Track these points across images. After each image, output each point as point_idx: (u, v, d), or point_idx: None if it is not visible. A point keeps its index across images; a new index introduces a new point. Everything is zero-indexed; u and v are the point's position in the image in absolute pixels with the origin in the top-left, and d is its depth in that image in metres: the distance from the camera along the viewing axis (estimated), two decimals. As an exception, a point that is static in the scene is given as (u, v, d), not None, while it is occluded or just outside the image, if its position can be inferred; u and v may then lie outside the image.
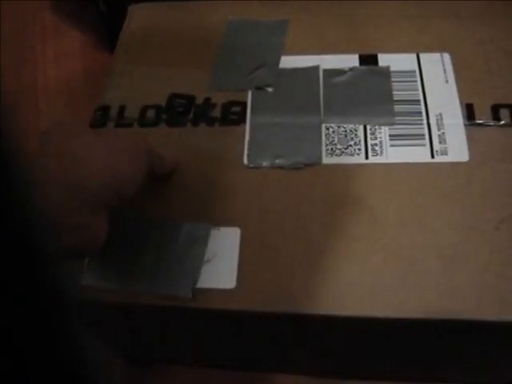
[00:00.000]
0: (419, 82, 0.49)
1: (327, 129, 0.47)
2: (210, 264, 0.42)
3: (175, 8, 0.56)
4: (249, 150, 0.46)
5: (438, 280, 0.40)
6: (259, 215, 0.43)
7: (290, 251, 0.42)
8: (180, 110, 0.49)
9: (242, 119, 0.48)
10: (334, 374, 0.54)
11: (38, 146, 0.36)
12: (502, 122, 0.46)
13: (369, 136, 0.46)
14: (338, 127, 0.47)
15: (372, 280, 0.40)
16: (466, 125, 0.46)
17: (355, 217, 0.43)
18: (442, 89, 0.48)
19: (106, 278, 0.42)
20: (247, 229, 0.43)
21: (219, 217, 0.43)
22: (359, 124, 0.47)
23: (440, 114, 0.47)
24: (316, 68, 0.50)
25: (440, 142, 0.45)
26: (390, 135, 0.46)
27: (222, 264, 0.42)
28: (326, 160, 0.45)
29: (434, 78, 0.49)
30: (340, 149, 0.46)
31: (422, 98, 0.48)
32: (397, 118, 0.47)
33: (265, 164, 0.45)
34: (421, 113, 0.47)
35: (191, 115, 0.49)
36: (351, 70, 0.50)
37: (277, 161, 0.45)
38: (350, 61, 0.50)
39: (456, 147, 0.45)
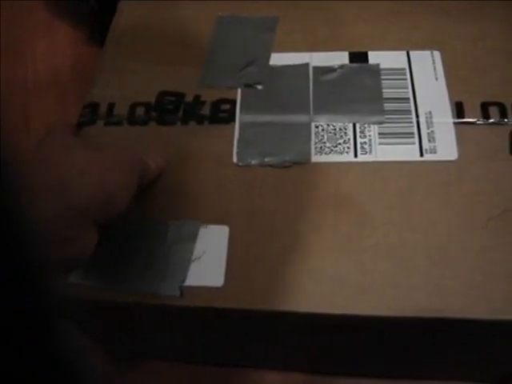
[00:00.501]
0: (409, 80, 0.48)
1: (317, 127, 0.47)
2: (198, 262, 0.42)
3: (165, 4, 0.56)
4: (238, 148, 0.46)
5: (426, 279, 0.40)
6: (248, 213, 0.43)
7: (279, 249, 0.42)
8: (169, 108, 0.49)
9: (231, 117, 0.48)
10: (323, 371, 0.55)
11: (33, 151, 0.36)
12: (492, 120, 0.46)
13: (358, 134, 0.46)
14: (328, 125, 0.47)
15: (361, 278, 0.40)
16: (455, 123, 0.46)
17: (344, 215, 0.43)
18: (431, 87, 0.48)
19: (95, 277, 0.42)
20: (236, 227, 0.43)
21: (208, 215, 0.43)
22: (349, 122, 0.47)
23: (429, 112, 0.47)
24: (306, 65, 0.50)
25: (429, 141, 0.45)
26: (380, 133, 0.46)
27: (210, 262, 0.42)
28: (315, 158, 0.45)
29: (423, 76, 0.49)
30: (329, 147, 0.46)
31: (411, 95, 0.48)
32: (386, 116, 0.47)
33: (254, 162, 0.45)
34: (410, 111, 0.47)
35: (181, 113, 0.48)
36: (341, 67, 0.50)
37: (266, 159, 0.45)
38: (340, 58, 0.50)
39: (445, 145, 0.45)
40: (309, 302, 0.40)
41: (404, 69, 0.49)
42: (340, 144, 0.46)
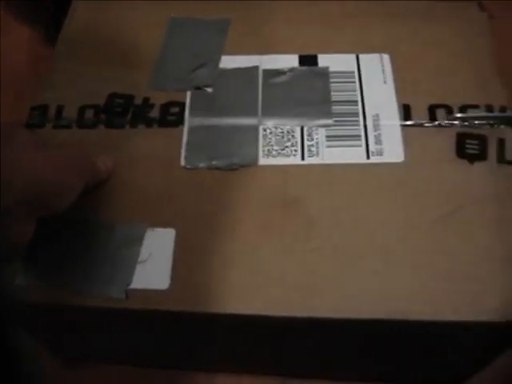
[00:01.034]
0: (357, 83, 0.49)
1: (264, 130, 0.47)
2: (144, 265, 0.42)
3: (118, 5, 0.55)
4: (186, 151, 0.46)
5: (372, 280, 0.40)
6: (195, 216, 0.43)
7: (225, 252, 0.42)
8: (118, 111, 0.48)
9: (180, 120, 0.48)
10: (273, 373, 0.55)
11: None
12: (438, 122, 0.46)
13: (306, 137, 0.46)
14: (276, 128, 0.47)
15: (308, 280, 0.41)
16: (402, 125, 0.47)
17: (290, 217, 0.43)
18: (379, 89, 0.49)
19: (41, 279, 0.42)
20: (182, 230, 0.43)
21: (155, 218, 0.43)
22: (296, 125, 0.47)
23: (377, 115, 0.47)
24: (256, 68, 0.50)
25: (376, 143, 0.46)
26: (327, 136, 0.46)
27: (155, 265, 0.42)
28: (263, 161, 0.45)
29: (372, 79, 0.49)
30: (277, 150, 0.46)
31: (359, 98, 0.48)
32: (334, 118, 0.47)
33: (201, 165, 0.45)
34: (358, 113, 0.47)
35: (130, 116, 0.48)
36: (291, 70, 0.50)
37: (213, 162, 0.45)
38: (290, 61, 0.50)
39: (392, 148, 0.46)
40: (255, 305, 0.40)
41: (353, 72, 0.50)
42: (287, 147, 0.46)
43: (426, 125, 0.46)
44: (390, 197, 0.44)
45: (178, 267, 0.41)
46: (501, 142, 0.45)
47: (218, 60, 0.51)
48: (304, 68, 0.50)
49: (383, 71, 0.49)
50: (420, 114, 0.47)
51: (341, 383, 0.54)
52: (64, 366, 0.55)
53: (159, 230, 0.43)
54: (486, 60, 0.50)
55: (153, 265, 0.42)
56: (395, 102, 0.48)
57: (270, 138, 0.46)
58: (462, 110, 0.47)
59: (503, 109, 0.47)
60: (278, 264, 0.41)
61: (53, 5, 0.67)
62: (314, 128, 0.47)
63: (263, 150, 0.46)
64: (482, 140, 0.46)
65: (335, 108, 0.48)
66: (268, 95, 0.49)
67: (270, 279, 0.41)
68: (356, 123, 0.47)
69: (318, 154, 0.46)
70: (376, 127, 0.46)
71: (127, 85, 0.50)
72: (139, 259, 0.42)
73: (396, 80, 0.49)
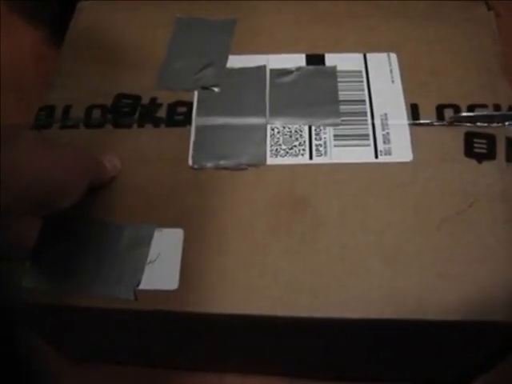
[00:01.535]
0: (365, 82, 0.49)
1: (272, 129, 0.47)
2: (152, 265, 0.42)
3: (124, 5, 0.56)
4: (193, 151, 0.46)
5: (379, 280, 0.40)
6: (203, 216, 0.43)
7: (233, 252, 0.42)
8: (126, 110, 0.48)
9: (187, 120, 0.48)
10: (282, 373, 0.55)
11: None
12: (446, 122, 0.46)
13: (313, 136, 0.46)
14: (283, 128, 0.47)
15: (314, 280, 0.41)
16: (410, 125, 0.46)
17: (298, 217, 0.43)
18: (387, 89, 0.48)
19: (48, 280, 0.42)
20: (191, 230, 0.43)
21: (163, 218, 0.43)
22: (304, 125, 0.47)
23: (385, 114, 0.47)
24: (263, 68, 0.50)
25: (384, 142, 0.46)
26: (335, 135, 0.46)
27: (164, 265, 0.41)
28: (271, 161, 0.45)
29: (380, 78, 0.49)
30: (284, 149, 0.46)
31: (367, 98, 0.48)
32: (342, 118, 0.47)
33: (209, 165, 0.45)
34: (366, 113, 0.47)
35: (137, 115, 0.48)
36: (298, 69, 0.50)
37: (221, 162, 0.45)
38: (297, 60, 0.50)
39: (400, 147, 0.45)
40: (263, 305, 0.40)
41: (360, 71, 0.49)
42: (295, 146, 0.46)
43: (435, 124, 0.46)
44: (398, 196, 0.43)
45: (186, 267, 0.41)
46: (509, 142, 0.45)
47: (224, 60, 0.51)
48: (311, 67, 0.50)
49: (391, 70, 0.49)
50: (428, 114, 0.47)
51: (349, 383, 0.54)
52: (71, 366, 0.55)
53: (167, 231, 0.43)
54: (494, 59, 0.50)
55: (161, 265, 0.41)
56: (403, 102, 0.48)
57: (277, 138, 0.46)
58: (470, 109, 0.47)
59: (511, 108, 0.47)
60: (286, 264, 0.41)
61: (57, 5, 0.67)
62: (321, 127, 0.47)
63: (271, 150, 0.46)
64: (491, 139, 0.45)
65: (343, 107, 0.47)
66: (275, 95, 0.49)
67: (277, 279, 0.41)
68: (364, 122, 0.47)
69: (326, 153, 0.45)
70: (384, 126, 0.46)
71: (134, 85, 0.50)
72: (148, 260, 0.42)
73: (404, 79, 0.49)
